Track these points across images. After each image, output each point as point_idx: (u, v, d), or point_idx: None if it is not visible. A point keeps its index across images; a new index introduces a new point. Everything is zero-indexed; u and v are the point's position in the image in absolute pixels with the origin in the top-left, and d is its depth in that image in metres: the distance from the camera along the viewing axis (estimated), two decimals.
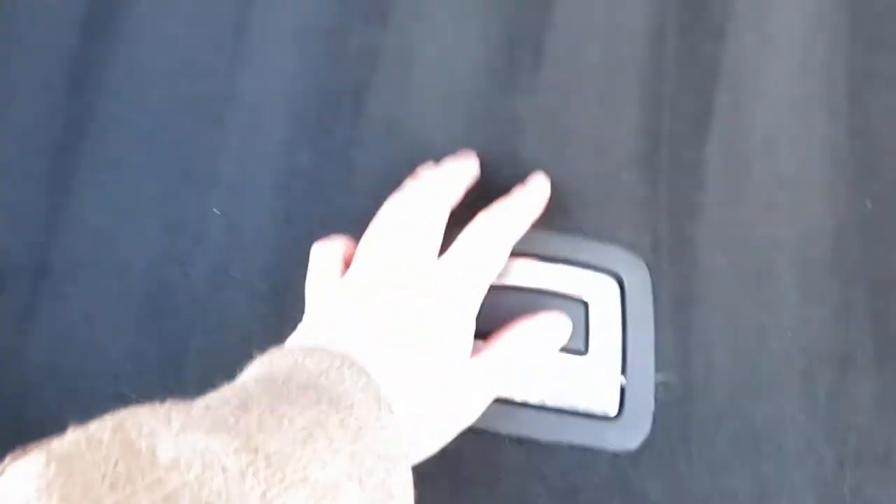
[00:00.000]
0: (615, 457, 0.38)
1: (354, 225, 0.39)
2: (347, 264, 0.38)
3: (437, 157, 0.42)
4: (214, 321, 0.41)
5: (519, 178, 0.42)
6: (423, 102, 0.44)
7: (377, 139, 0.44)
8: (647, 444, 0.38)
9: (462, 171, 0.40)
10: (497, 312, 0.38)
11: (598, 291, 0.40)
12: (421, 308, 0.34)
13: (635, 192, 0.42)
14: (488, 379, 0.36)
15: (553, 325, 0.38)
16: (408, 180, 0.40)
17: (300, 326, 0.36)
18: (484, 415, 0.38)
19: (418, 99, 0.44)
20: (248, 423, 0.26)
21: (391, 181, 0.41)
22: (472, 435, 0.39)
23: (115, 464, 0.23)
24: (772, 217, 0.42)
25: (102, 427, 0.25)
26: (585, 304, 0.40)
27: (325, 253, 0.38)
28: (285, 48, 0.45)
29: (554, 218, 0.42)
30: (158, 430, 0.25)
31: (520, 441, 0.39)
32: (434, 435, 0.34)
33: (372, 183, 0.43)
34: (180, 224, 0.43)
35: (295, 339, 0.35)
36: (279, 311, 0.40)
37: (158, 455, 0.24)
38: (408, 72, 0.44)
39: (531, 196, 0.39)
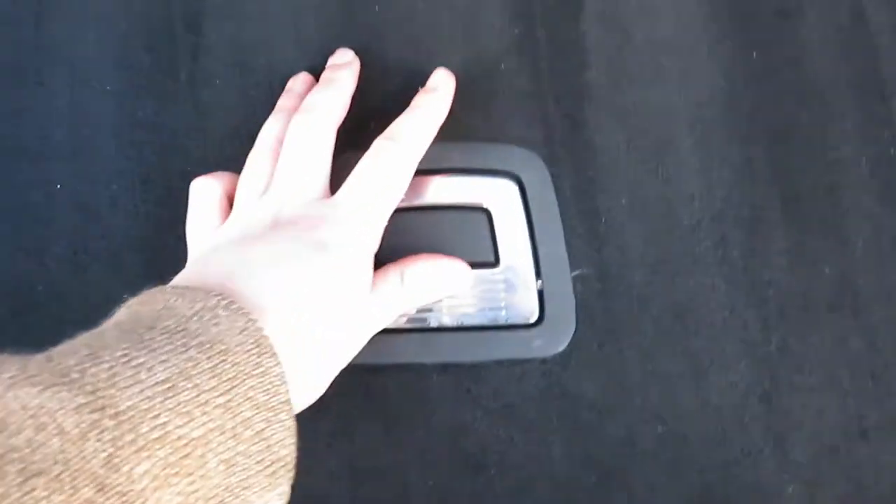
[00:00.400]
0: (544, 363, 0.37)
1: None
2: (230, 199, 0.35)
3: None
4: (82, 309, 0.36)
5: (389, 86, 0.38)
6: (267, 21, 0.39)
7: (223, 72, 0.39)
8: (575, 344, 0.37)
9: (342, 83, 0.36)
10: (395, 236, 0.35)
11: (499, 197, 0.38)
12: (312, 252, 0.31)
13: (518, 82, 0.39)
14: (378, 318, 0.33)
15: (453, 274, 0.35)
16: (282, 99, 0.36)
17: (182, 272, 0.32)
18: (404, 347, 0.36)
19: (261, 18, 0.39)
20: (95, 375, 0.24)
21: (248, 117, 0.37)
22: (395, 371, 0.36)
23: None
24: (661, 86, 0.40)
25: None
26: (488, 213, 0.37)
27: (205, 191, 0.35)
28: None
29: (441, 125, 0.38)
30: None
31: (445, 368, 0.37)
32: (320, 377, 0.31)
33: (227, 122, 0.38)
34: (23, 209, 0.38)
35: (173, 283, 0.31)
36: (154, 281, 0.36)
37: None
38: None
39: (433, 103, 0.36)
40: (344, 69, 0.37)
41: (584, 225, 0.38)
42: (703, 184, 0.38)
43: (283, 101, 0.37)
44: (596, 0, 0.40)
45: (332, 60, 0.38)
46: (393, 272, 0.34)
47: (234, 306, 0.27)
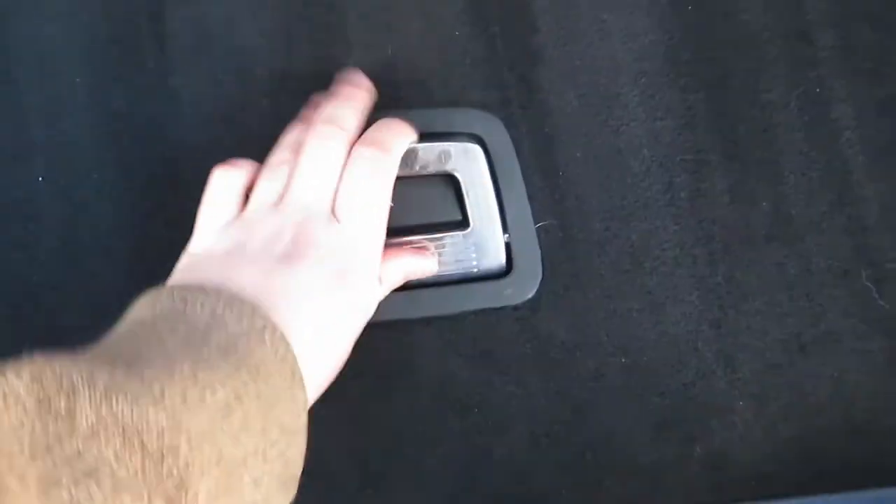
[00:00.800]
0: (516, 310, 0.40)
1: (200, 160, 0.36)
2: (249, 189, 0.36)
3: (260, 63, 0.40)
4: (77, 297, 0.38)
5: (348, 61, 0.40)
6: (229, 5, 0.41)
7: (190, 59, 0.40)
8: (543, 290, 0.40)
9: (361, 103, 0.37)
10: None
11: (465, 161, 0.40)
12: (335, 286, 0.33)
13: (472, 49, 0.42)
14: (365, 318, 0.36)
15: (421, 266, 0.38)
16: (306, 109, 0.38)
17: (188, 253, 0.34)
18: (390, 306, 0.39)
19: (224, 3, 0.41)
20: (172, 396, 0.25)
21: (218, 99, 0.38)
22: (383, 328, 0.39)
23: (33, 429, 0.22)
24: (606, 43, 0.42)
25: (18, 374, 0.23)
26: (455, 179, 0.40)
27: (227, 180, 0.35)
28: None
29: (402, 94, 0.41)
30: (79, 390, 0.23)
31: (427, 321, 0.40)
32: (328, 377, 0.33)
33: (200, 107, 0.40)
34: (10, 206, 0.39)
35: (191, 272, 0.33)
36: (146, 270, 0.38)
37: (79, 421, 0.23)
38: None
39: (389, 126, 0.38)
40: (363, 90, 0.38)
41: (544, 180, 0.41)
42: (650, 133, 0.42)
43: (307, 112, 0.38)
44: None
45: (347, 77, 0.39)
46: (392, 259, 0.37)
47: (277, 333, 0.29)
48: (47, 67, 0.40)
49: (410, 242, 0.40)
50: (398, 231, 0.39)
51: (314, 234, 0.33)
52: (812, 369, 0.40)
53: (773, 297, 0.40)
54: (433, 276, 0.40)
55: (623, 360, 0.40)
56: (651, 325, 0.40)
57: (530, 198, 0.40)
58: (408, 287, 0.39)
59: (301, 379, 0.29)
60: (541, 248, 0.40)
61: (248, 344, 0.28)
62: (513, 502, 0.39)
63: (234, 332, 0.28)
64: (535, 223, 0.40)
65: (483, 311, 0.40)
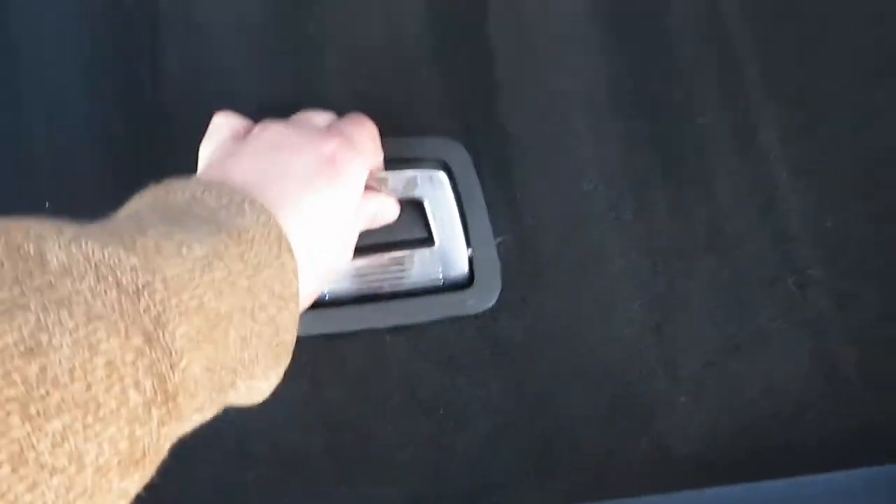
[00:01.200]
0: (477, 318, 0.44)
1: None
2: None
3: (243, 99, 0.44)
4: None
5: (327, 94, 0.45)
6: (216, 46, 0.45)
7: (181, 87, 0.45)
8: (502, 300, 0.44)
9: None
10: None
11: (430, 186, 0.44)
12: (316, 162, 0.34)
13: (438, 84, 0.46)
14: (355, 225, 0.38)
15: (391, 206, 0.42)
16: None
17: (199, 174, 0.35)
18: (362, 315, 0.43)
19: (211, 43, 0.45)
20: (144, 245, 0.25)
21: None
22: (354, 338, 0.43)
23: (1, 265, 0.21)
24: (558, 75, 0.47)
25: None
26: (421, 203, 0.44)
27: (225, 119, 0.37)
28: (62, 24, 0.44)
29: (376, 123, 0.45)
30: (48, 236, 0.23)
31: (396, 329, 0.44)
32: (318, 277, 0.34)
33: (193, 135, 0.44)
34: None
35: (194, 179, 0.33)
36: None
37: (48, 259, 0.22)
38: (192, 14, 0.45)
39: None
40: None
41: (503, 199, 0.45)
42: (598, 156, 0.46)
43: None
44: (499, 4, 0.47)
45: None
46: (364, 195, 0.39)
47: (257, 203, 0.29)
48: (52, 95, 0.44)
49: (381, 260, 0.44)
50: (369, 249, 0.43)
51: (308, 136, 0.35)
52: (745, 368, 0.44)
53: (709, 303, 0.44)
54: (403, 288, 0.44)
55: (574, 361, 0.44)
56: (599, 329, 0.44)
57: (490, 215, 0.45)
58: (378, 298, 0.43)
59: (289, 246, 0.30)
60: (500, 260, 0.44)
61: (228, 214, 0.29)
62: (476, 491, 0.42)
63: (214, 207, 0.29)
64: (495, 238, 0.45)
65: (448, 319, 0.44)
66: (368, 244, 0.43)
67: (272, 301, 0.29)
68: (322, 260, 0.34)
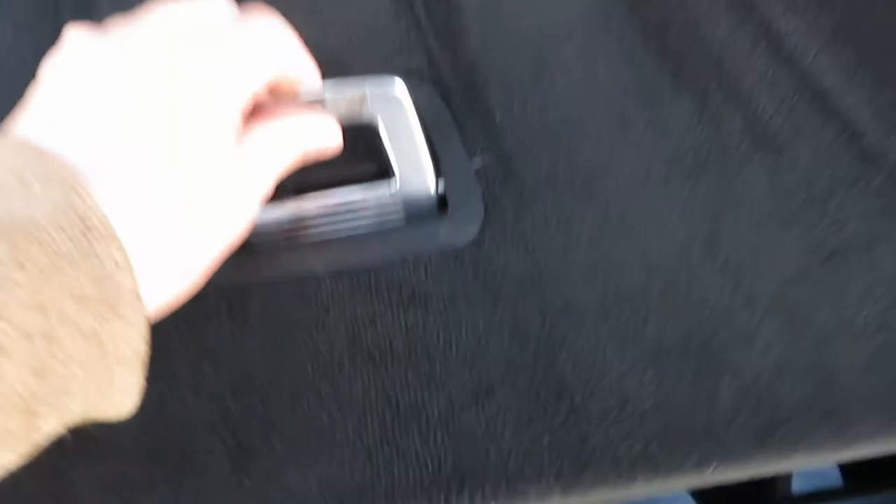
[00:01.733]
0: (454, 251, 0.32)
1: None
2: None
3: None
4: None
5: None
6: None
7: None
8: (486, 227, 0.32)
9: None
10: None
11: (386, 103, 0.34)
12: (171, 98, 0.25)
13: (399, 24, 0.40)
14: (253, 181, 0.27)
15: (320, 127, 0.30)
16: None
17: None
18: (295, 259, 0.32)
19: None
20: None
21: None
22: (286, 283, 0.31)
23: None
24: (536, 4, 0.40)
25: None
26: (374, 127, 0.34)
27: (81, 32, 0.26)
28: None
29: (333, 72, 0.37)
30: None
31: (339, 273, 0.31)
32: (192, 256, 0.25)
33: None
34: None
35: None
36: None
37: None
38: None
39: None
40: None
41: (479, 124, 0.36)
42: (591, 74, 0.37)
43: None
44: None
45: None
46: (258, 126, 0.29)
47: (50, 170, 0.21)
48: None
49: (325, 202, 0.33)
50: (307, 190, 0.33)
51: (164, 69, 0.25)
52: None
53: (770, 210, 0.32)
54: (363, 230, 0.32)
55: (598, 288, 0.30)
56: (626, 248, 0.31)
57: (464, 140, 0.35)
58: (327, 240, 0.32)
59: (111, 232, 0.22)
60: (480, 185, 0.33)
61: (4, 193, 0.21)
62: (456, 472, 0.26)
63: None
64: (473, 161, 0.34)
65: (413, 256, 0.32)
66: (302, 184, 0.33)
67: (84, 311, 0.21)
68: (191, 225, 0.24)
